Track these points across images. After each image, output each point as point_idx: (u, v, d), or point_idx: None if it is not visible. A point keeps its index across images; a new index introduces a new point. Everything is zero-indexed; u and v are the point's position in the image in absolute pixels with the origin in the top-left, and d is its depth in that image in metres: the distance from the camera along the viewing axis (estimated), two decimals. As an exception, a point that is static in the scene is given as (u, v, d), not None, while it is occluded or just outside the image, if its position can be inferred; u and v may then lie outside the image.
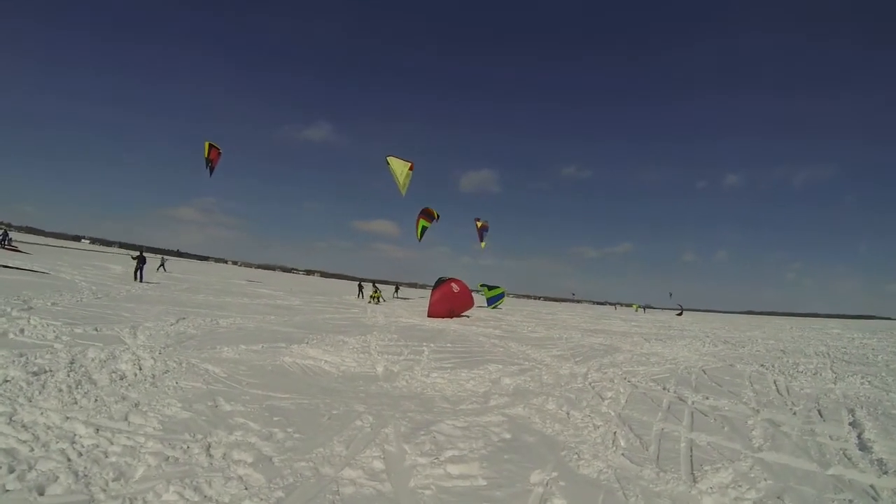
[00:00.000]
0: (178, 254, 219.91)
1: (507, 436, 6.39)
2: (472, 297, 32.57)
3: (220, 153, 33.18)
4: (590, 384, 10.26)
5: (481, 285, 52.65)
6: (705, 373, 12.82)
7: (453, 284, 30.78)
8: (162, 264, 47.62)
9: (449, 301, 29.43)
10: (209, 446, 5.00)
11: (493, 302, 51.80)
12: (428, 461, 5.20)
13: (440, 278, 31.28)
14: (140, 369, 7.84)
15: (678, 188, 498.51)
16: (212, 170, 33.06)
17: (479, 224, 48.20)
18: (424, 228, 35.55)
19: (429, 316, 28.33)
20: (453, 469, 5.05)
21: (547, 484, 4.86)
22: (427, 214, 35.73)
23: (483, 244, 49.86)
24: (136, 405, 6.01)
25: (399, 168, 29.09)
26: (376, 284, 41.95)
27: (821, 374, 13.37)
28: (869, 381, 12.39)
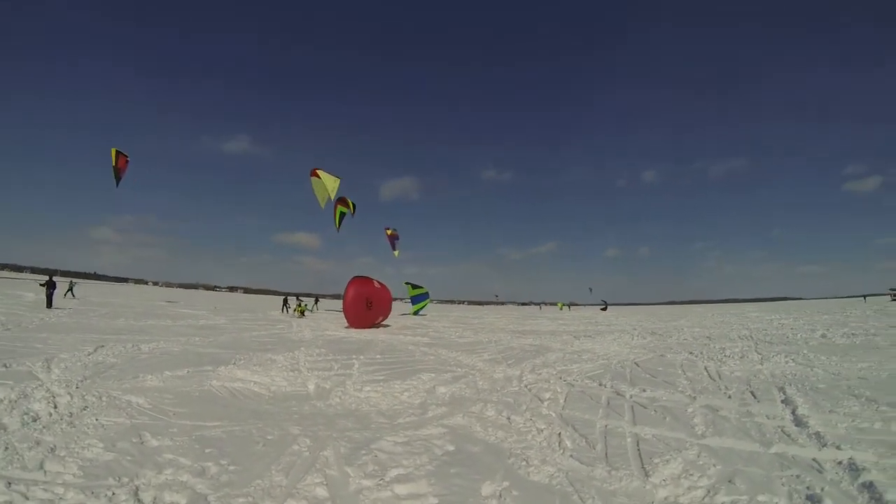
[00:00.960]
0: (96, 276, 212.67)
1: (451, 448, 6.18)
2: (390, 301, 31.75)
3: (127, 160, 31.96)
4: (526, 387, 10.15)
5: (406, 283, 52.75)
6: (638, 365, 12.95)
7: (375, 282, 30.02)
8: (70, 289, 45.04)
9: (364, 299, 28.39)
10: (137, 490, 4.55)
11: (418, 301, 52.01)
12: (373, 483, 4.93)
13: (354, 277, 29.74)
14: (55, 408, 7.24)
15: (598, 186, 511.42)
16: (118, 179, 31.81)
17: (389, 232, 48.24)
18: (343, 214, 35.13)
19: (348, 320, 28.12)
20: (401, 489, 4.80)
21: (500, 495, 4.67)
22: (343, 202, 35.28)
23: (396, 252, 49.96)
24: (53, 450, 5.47)
25: (327, 180, 28.71)
26: (300, 298, 41.40)
27: (747, 357, 13.78)
28: (793, 360, 12.86)
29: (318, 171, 28.85)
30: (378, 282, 30.39)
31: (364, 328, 28.33)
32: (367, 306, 28.12)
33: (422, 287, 53.16)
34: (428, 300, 54.29)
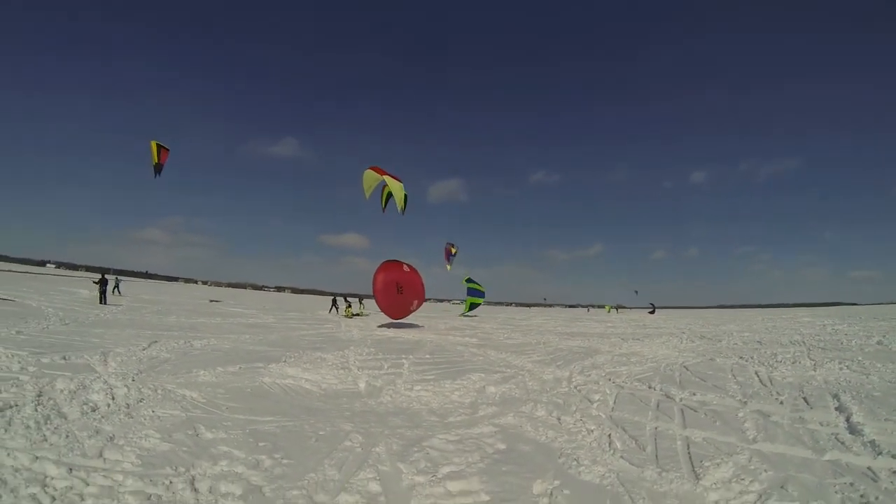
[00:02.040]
0: (147, 275, 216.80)
1: (502, 446, 6.23)
2: (422, 285, 29.52)
3: (168, 152, 32.29)
4: (575, 388, 10.14)
5: (467, 280, 52.67)
6: (687, 369, 12.80)
7: (404, 266, 28.77)
8: (116, 286, 44.97)
9: (394, 284, 27.50)
10: (193, 480, 4.69)
11: (473, 294, 51.87)
12: (426, 479, 5.00)
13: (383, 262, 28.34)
14: (113, 399, 7.48)
15: (645, 188, 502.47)
16: (158, 172, 32.24)
17: (453, 250, 48.38)
18: (390, 196, 30.78)
19: (382, 310, 27.76)
20: (453, 486, 4.87)
21: (551, 493, 4.71)
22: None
23: (449, 266, 49.92)
24: (111, 439, 5.66)
25: (396, 188, 28.18)
26: (348, 298, 41.40)
27: (800, 363, 13.46)
28: (847, 366, 12.49)
29: (387, 176, 28.02)
30: (408, 265, 29.22)
31: (401, 317, 28.32)
32: (397, 290, 27.48)
33: (480, 286, 53.17)
34: (482, 300, 54.17)
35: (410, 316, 30.06)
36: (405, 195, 28.99)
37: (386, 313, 27.95)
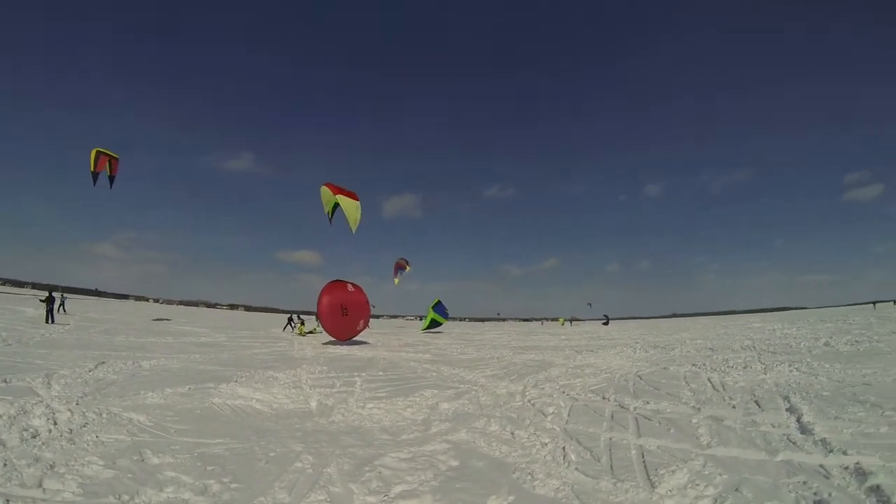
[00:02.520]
0: (97, 293, 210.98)
1: (455, 463, 6.17)
2: (367, 304, 29.75)
3: (116, 160, 31.38)
4: (529, 401, 10.12)
5: (437, 303, 52.68)
6: (641, 378, 12.89)
7: (349, 286, 28.65)
8: (62, 304, 42.36)
9: (339, 306, 27.10)
10: (138, 508, 4.50)
11: (439, 312, 51.97)
12: (377, 500, 4.92)
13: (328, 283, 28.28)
14: (55, 424, 7.19)
15: (601, 202, 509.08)
16: (112, 179, 31.43)
17: (407, 268, 48.36)
18: (336, 206, 29.61)
19: (328, 332, 27.68)
20: (405, 506, 4.75)
21: (506, 509, 4.63)
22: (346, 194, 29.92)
23: (396, 281, 49.86)
24: (52, 467, 5.42)
25: (349, 208, 27.80)
26: (301, 316, 41.03)
27: (751, 367, 13.69)
28: (797, 368, 12.77)
29: (340, 195, 27.57)
30: (352, 284, 29.22)
31: (348, 338, 28.11)
32: (342, 312, 27.07)
33: (446, 310, 53.44)
34: (445, 320, 54.17)
35: (362, 333, 29.82)
36: (359, 216, 28.63)
37: (332, 335, 27.78)
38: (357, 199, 28.76)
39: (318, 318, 31.25)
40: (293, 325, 41.90)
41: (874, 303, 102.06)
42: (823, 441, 6.29)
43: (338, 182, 28.52)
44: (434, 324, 52.54)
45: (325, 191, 28.30)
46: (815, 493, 4.70)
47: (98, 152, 30.50)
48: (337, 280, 28.58)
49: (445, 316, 53.95)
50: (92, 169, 30.09)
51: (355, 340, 29.39)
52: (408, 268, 51.09)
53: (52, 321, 29.03)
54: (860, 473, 5.06)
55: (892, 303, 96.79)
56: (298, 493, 5.05)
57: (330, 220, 29.98)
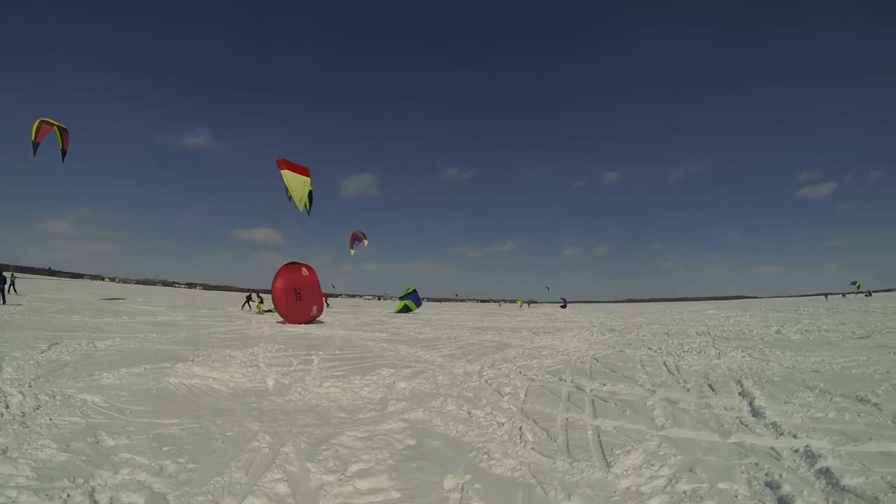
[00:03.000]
0: (51, 272, 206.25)
1: (412, 442, 6.16)
2: (319, 288, 29.48)
3: (66, 132, 30.50)
4: (486, 381, 10.16)
5: (412, 290, 52.68)
6: (598, 360, 13.03)
7: (303, 269, 28.23)
8: (12, 283, 39.95)
9: (292, 290, 27.00)
10: (93, 491, 4.38)
11: (412, 300, 52.11)
12: (334, 478, 4.86)
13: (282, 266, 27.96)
14: (7, 408, 6.98)
15: (558, 187, 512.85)
16: (63, 153, 30.68)
17: (365, 242, 47.88)
18: (311, 193, 29.79)
19: (282, 316, 27.36)
20: (362, 484, 4.75)
21: (462, 488, 4.65)
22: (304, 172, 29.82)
23: (352, 252, 49.22)
24: (4, 451, 5.24)
25: (295, 183, 27.30)
26: (260, 295, 40.69)
27: (705, 352, 13.93)
28: (749, 354, 13.04)
29: (284, 171, 27.04)
30: (307, 267, 28.76)
31: (301, 322, 27.52)
32: (296, 297, 26.90)
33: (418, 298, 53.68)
34: (416, 307, 54.08)
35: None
36: (310, 191, 28.08)
37: (286, 320, 27.30)
38: (307, 176, 28.47)
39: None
40: (251, 303, 41.49)
41: (826, 294, 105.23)
42: (774, 424, 6.42)
43: (295, 159, 27.90)
44: (406, 310, 52.56)
45: (288, 174, 27.61)
46: (766, 475, 4.79)
47: (41, 122, 29.69)
48: (292, 263, 28.30)
49: (418, 304, 54.38)
50: (33, 139, 29.29)
51: (311, 321, 29.22)
52: (365, 241, 50.47)
53: (4, 302, 28.39)
54: (810, 456, 5.17)
55: (842, 295, 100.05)
56: (255, 472, 4.99)
57: (308, 210, 29.38)
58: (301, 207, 28.19)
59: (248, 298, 43.39)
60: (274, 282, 26.90)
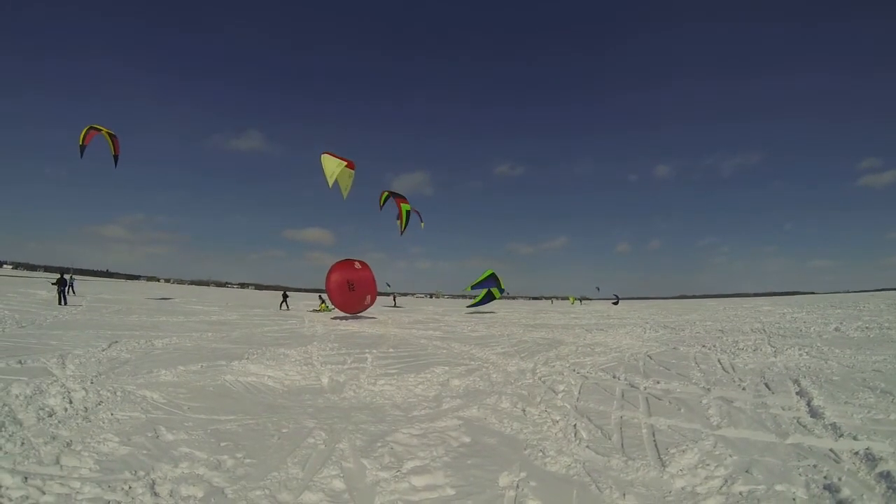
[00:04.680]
0: (108, 274, 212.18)
1: (467, 439, 6.20)
2: (374, 280, 31.67)
3: (117, 139, 31.41)
4: (540, 379, 10.16)
5: (490, 274, 48.89)
6: (651, 358, 12.93)
7: (356, 263, 30.77)
8: (70, 285, 39.85)
9: (346, 282, 29.44)
10: (153, 483, 4.53)
11: (490, 285, 48.41)
12: (390, 475, 4.93)
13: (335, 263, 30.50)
14: (70, 403, 7.22)
15: (611, 181, 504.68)
16: (116, 159, 31.62)
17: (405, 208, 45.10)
18: (409, 213, 34.50)
19: (337, 307, 29.40)
20: (418, 481, 4.80)
21: (517, 486, 4.68)
22: (402, 200, 34.46)
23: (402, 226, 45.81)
24: (69, 444, 5.43)
25: (331, 167, 28.48)
26: (321, 295, 41.16)
27: (761, 350, 13.71)
28: (807, 353, 12.78)
29: (323, 156, 28.49)
30: (360, 262, 31.07)
31: (356, 312, 29.75)
32: (349, 288, 29.16)
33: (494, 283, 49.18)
34: (498, 292, 49.52)
35: (373, 310, 30.79)
36: (407, 210, 30.23)
37: (341, 310, 29.44)
38: (352, 167, 30.02)
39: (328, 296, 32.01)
40: (287, 302, 41.78)
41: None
42: (834, 426, 6.29)
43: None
44: (489, 299, 48.93)
45: (329, 159, 29.27)
46: (825, 477, 4.71)
47: (90, 128, 30.62)
48: (346, 259, 30.15)
49: (502, 291, 49.86)
50: (80, 143, 30.21)
51: (365, 318, 29.70)
52: (422, 224, 48.92)
53: (65, 303, 29.27)
54: (870, 459, 5.06)
55: None
56: (311, 468, 5.08)
57: (402, 229, 32.06)
58: (343, 193, 30.21)
59: (285, 297, 43.85)
60: (329, 275, 28.84)
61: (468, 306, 50.41)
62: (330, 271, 29.36)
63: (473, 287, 49.05)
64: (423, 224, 46.73)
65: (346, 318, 29.09)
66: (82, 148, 30.35)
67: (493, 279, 49.05)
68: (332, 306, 32.17)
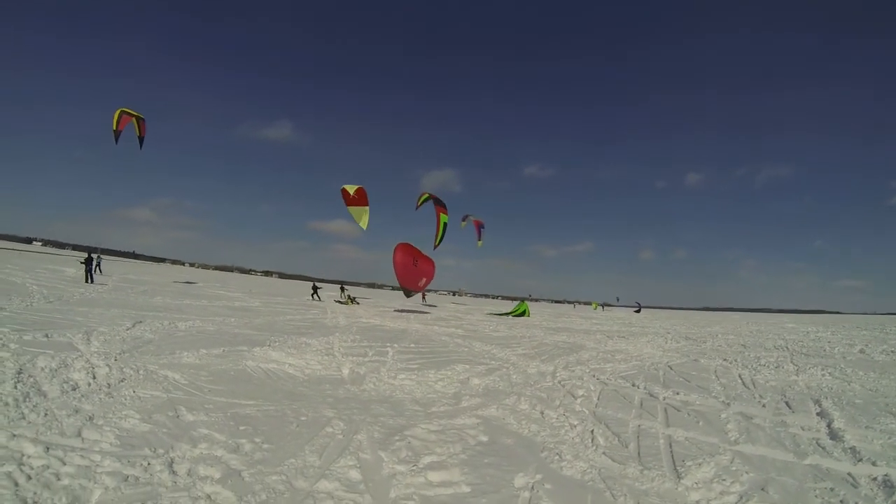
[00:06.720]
0: (134, 255, 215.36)
1: (484, 438, 6.24)
2: (433, 267, 34.20)
3: (143, 121, 31.73)
4: (559, 382, 10.16)
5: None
6: (671, 368, 12.85)
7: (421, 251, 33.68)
8: (98, 264, 41.42)
9: (412, 256, 32.29)
10: (172, 462, 4.64)
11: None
12: (407, 469, 4.99)
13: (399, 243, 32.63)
14: (94, 378, 7.39)
15: (639, 187, 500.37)
16: (141, 140, 31.97)
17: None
18: (446, 225, 36.07)
19: (398, 276, 31.09)
20: (434, 476, 4.86)
21: (532, 487, 4.72)
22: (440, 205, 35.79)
23: (480, 242, 45.96)
24: (91, 418, 5.58)
25: (357, 213, 31.40)
26: (344, 287, 41.69)
27: (783, 367, 13.54)
28: (829, 373, 12.57)
29: (349, 207, 31.13)
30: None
31: (410, 287, 32.03)
32: (413, 263, 31.88)
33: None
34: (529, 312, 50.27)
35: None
36: (444, 223, 31.84)
37: (400, 281, 31.45)
38: (365, 202, 32.24)
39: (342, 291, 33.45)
40: (318, 293, 42.11)
41: None
42: (853, 449, 6.22)
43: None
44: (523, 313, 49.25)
45: (355, 210, 32.22)
46: (841, 501, 4.68)
47: (122, 112, 30.89)
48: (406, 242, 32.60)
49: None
50: (114, 128, 30.49)
51: (387, 312, 29.94)
52: (479, 242, 47.75)
53: (92, 281, 29.83)
54: (888, 486, 5.02)
55: None
56: (328, 456, 5.14)
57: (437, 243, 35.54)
58: (363, 225, 32.33)
59: (315, 288, 44.12)
60: (395, 250, 31.32)
61: (492, 313, 50.14)
62: (396, 248, 31.58)
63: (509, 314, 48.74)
64: (480, 242, 46.04)
65: (366, 311, 29.24)
66: (117, 133, 30.63)
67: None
68: (346, 300, 33.22)
